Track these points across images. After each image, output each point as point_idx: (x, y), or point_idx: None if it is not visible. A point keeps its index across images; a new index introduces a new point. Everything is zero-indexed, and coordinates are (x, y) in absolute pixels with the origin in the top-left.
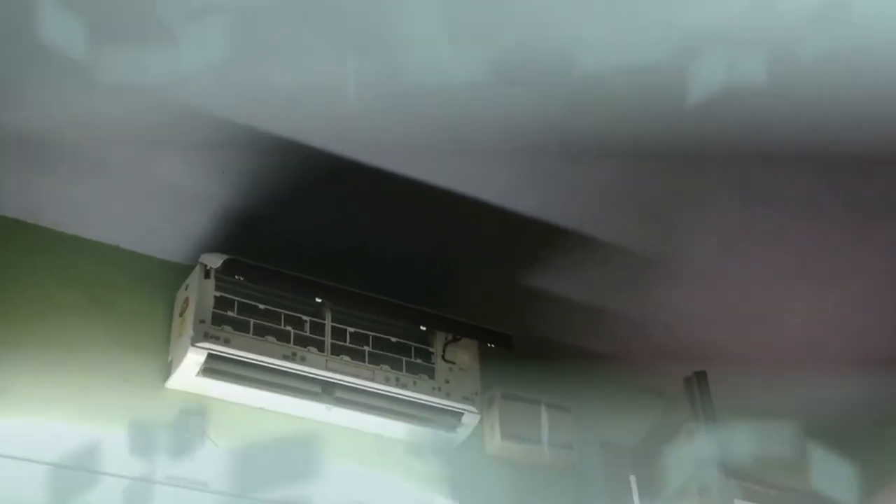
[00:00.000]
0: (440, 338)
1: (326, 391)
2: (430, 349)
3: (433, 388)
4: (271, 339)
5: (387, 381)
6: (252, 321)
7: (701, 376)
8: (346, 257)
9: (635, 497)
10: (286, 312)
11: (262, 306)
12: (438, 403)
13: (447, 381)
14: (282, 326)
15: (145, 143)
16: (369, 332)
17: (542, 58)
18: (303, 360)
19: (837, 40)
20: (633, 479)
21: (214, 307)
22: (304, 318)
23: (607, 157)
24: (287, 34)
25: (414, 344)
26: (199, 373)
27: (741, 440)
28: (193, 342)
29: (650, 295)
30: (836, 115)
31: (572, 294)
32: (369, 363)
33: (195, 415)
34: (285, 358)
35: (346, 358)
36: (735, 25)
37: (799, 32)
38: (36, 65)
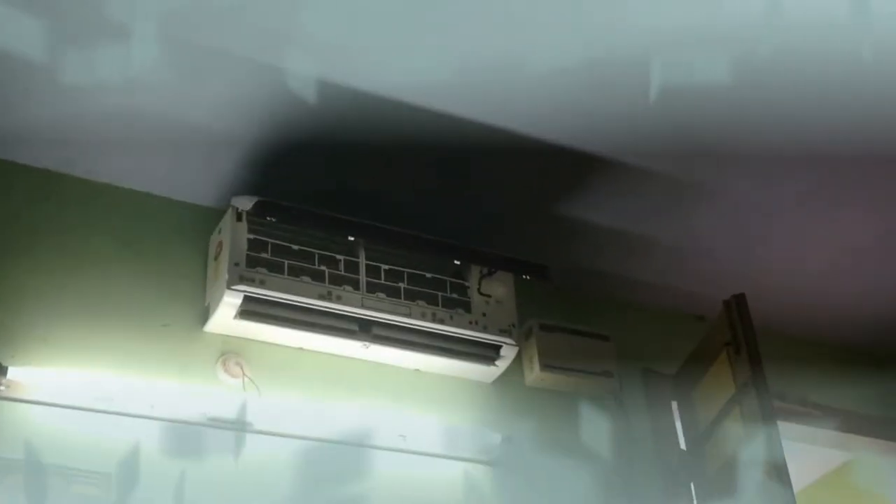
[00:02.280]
0: (475, 271)
1: (363, 329)
2: (466, 283)
3: (470, 322)
4: (306, 279)
5: (423, 317)
6: (286, 262)
7: (740, 299)
8: (378, 195)
9: (678, 423)
10: (320, 252)
11: (295, 247)
12: (476, 337)
13: (484, 315)
14: (316, 266)
15: (173, 90)
16: (404, 269)
17: None
18: (338, 299)
19: None
20: (674, 404)
21: (248, 249)
22: (338, 257)
23: (641, 86)
24: None
25: (449, 279)
26: (236, 315)
27: (782, 362)
28: (229, 285)
29: (686, 221)
30: None
31: (607, 222)
32: (405, 299)
33: (236, 356)
34: (321, 297)
35: (382, 295)
36: None
37: None
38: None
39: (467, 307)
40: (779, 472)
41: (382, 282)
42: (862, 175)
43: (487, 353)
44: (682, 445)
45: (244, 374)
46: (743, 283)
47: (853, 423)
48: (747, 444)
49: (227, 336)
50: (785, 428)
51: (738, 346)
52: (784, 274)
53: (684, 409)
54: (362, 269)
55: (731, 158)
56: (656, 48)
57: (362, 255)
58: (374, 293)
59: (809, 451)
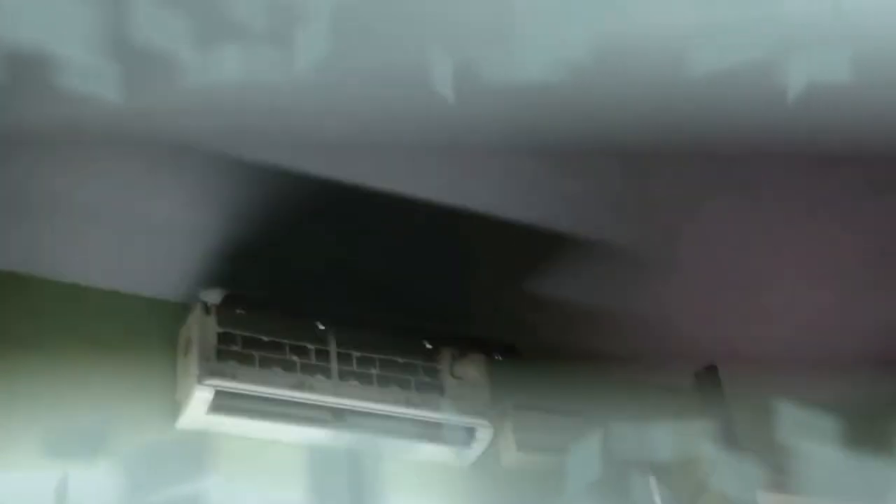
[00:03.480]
0: (446, 354)
1: (337, 417)
2: (438, 366)
3: (444, 406)
4: (277, 369)
5: (397, 403)
6: (257, 354)
7: (711, 371)
8: (346, 281)
9: (656, 497)
10: (290, 342)
11: (265, 338)
12: (450, 420)
13: (458, 398)
14: (287, 356)
15: (136, 184)
16: (375, 355)
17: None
18: (311, 388)
19: None
20: (652, 479)
21: (218, 343)
22: (309, 346)
23: (604, 160)
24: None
25: (421, 363)
26: (208, 410)
27: (756, 430)
28: (200, 380)
29: (655, 295)
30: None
31: (577, 298)
32: (378, 385)
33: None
34: (293, 387)
35: (355, 382)
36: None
37: None
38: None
39: (441, 390)
40: None
41: (354, 369)
42: (812, 236)
43: (463, 436)
44: None
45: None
46: (714, 355)
47: (833, 488)
48: None
49: (200, 431)
50: (764, 497)
51: (712, 417)
52: (755, 343)
53: (662, 482)
54: (333, 357)
55: (694, 232)
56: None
57: (333, 343)
58: (346, 381)
59: None
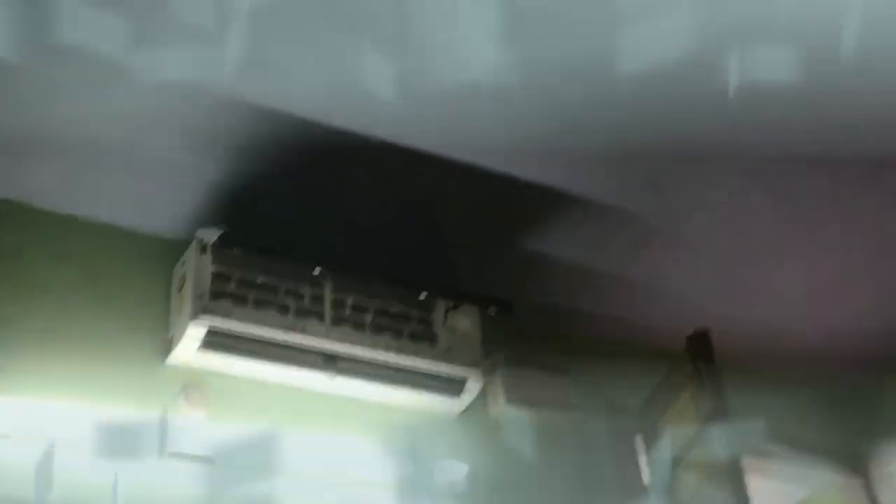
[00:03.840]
0: (440, 306)
1: (328, 362)
2: (431, 317)
3: (435, 356)
4: (271, 311)
5: (388, 350)
6: (251, 295)
7: (703, 334)
8: (344, 229)
9: (641, 457)
10: (286, 285)
11: (260, 279)
12: (441, 371)
13: (449, 349)
14: (282, 299)
15: (139, 122)
16: (369, 303)
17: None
18: (304, 332)
19: None
20: (638, 439)
21: (212, 282)
22: (304, 290)
23: (607, 127)
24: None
25: (415, 312)
26: (199, 348)
27: (745, 396)
28: (192, 317)
29: (651, 259)
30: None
31: (573, 258)
32: (371, 332)
33: (199, 388)
34: (286, 330)
35: (348, 328)
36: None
37: None
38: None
39: (433, 340)
40: None
41: (348, 315)
42: (823, 215)
43: (453, 387)
44: (646, 481)
45: (206, 406)
46: (706, 319)
47: (816, 457)
48: (711, 479)
49: (190, 368)
50: (747, 462)
51: (701, 381)
52: (747, 309)
53: (649, 443)
54: (328, 302)
55: (697, 197)
56: (625, 88)
57: (328, 288)
58: (339, 326)
59: (772, 486)
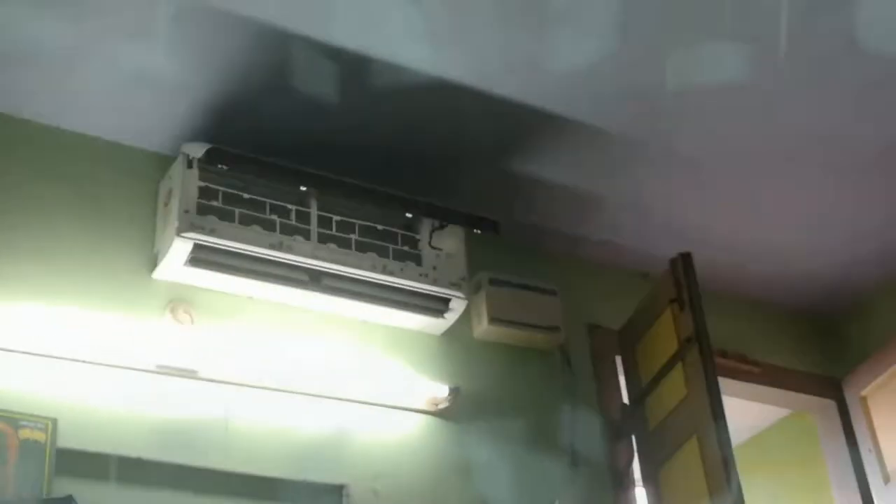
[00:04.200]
0: (426, 224)
1: (314, 279)
2: (417, 236)
3: (420, 275)
4: (257, 228)
5: (374, 269)
6: (237, 210)
7: (686, 257)
8: (331, 145)
9: (621, 377)
10: (271, 201)
11: (246, 196)
12: (426, 289)
13: (434, 268)
14: (267, 215)
15: (125, 32)
16: (355, 220)
17: None
18: (289, 249)
19: None
20: (618, 359)
21: (199, 197)
22: (290, 206)
23: (592, 38)
24: None
25: (400, 231)
26: (185, 263)
27: (724, 320)
28: (179, 232)
29: (637, 179)
30: None
31: (559, 179)
32: (356, 251)
33: (185, 303)
34: (272, 247)
35: (333, 246)
36: None
37: None
38: None
39: (418, 260)
40: (718, 427)
41: (334, 233)
42: (806, 142)
43: (437, 306)
44: (625, 399)
45: (192, 321)
46: (689, 243)
47: (791, 381)
48: (688, 398)
49: (176, 283)
50: (725, 384)
51: (682, 303)
52: (729, 234)
53: (628, 363)
54: (314, 220)
55: (679, 117)
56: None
57: (314, 205)
58: (325, 244)
59: (748, 407)
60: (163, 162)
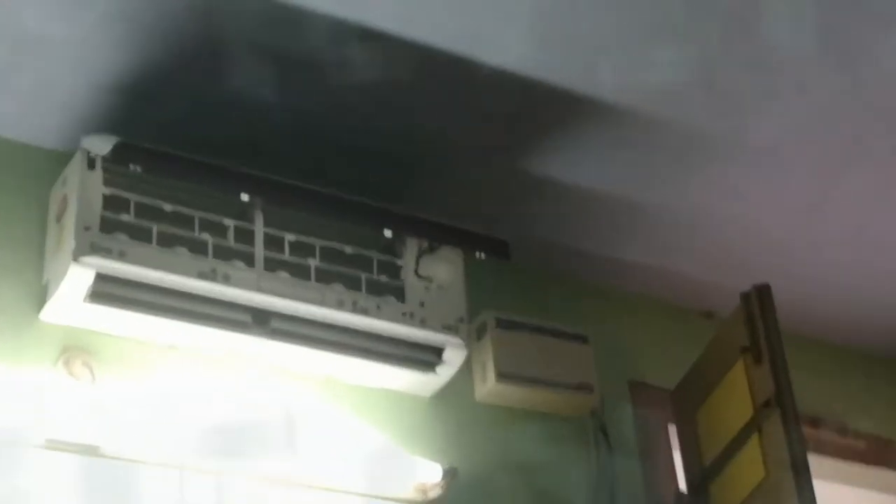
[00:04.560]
0: (412, 246)
1: (259, 320)
2: (399, 261)
3: (403, 314)
4: (182, 251)
5: (340, 306)
6: (155, 227)
7: (763, 291)
8: (283, 138)
9: (676, 454)
10: (202, 215)
11: (168, 207)
12: (411, 335)
13: (422, 305)
14: (196, 234)
15: None
16: (315, 241)
17: None
18: (226, 280)
19: None
20: (672, 429)
21: (104, 209)
22: (227, 222)
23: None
24: None
25: (377, 255)
26: (84, 298)
27: (814, 376)
28: (76, 257)
29: (697, 185)
30: None
31: (591, 183)
32: (316, 282)
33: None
34: (202, 276)
35: (285, 275)
36: None
37: None
38: None
39: (400, 294)
40: None
41: (286, 257)
42: None
43: (426, 357)
44: (682, 485)
45: (93, 378)
46: (765, 271)
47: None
48: (766, 482)
49: (72, 327)
50: (817, 463)
51: (759, 353)
52: (821, 260)
53: (685, 435)
54: (259, 240)
55: (759, 101)
56: None
57: (259, 220)
58: (274, 272)
59: (848, 495)
60: (55, 161)
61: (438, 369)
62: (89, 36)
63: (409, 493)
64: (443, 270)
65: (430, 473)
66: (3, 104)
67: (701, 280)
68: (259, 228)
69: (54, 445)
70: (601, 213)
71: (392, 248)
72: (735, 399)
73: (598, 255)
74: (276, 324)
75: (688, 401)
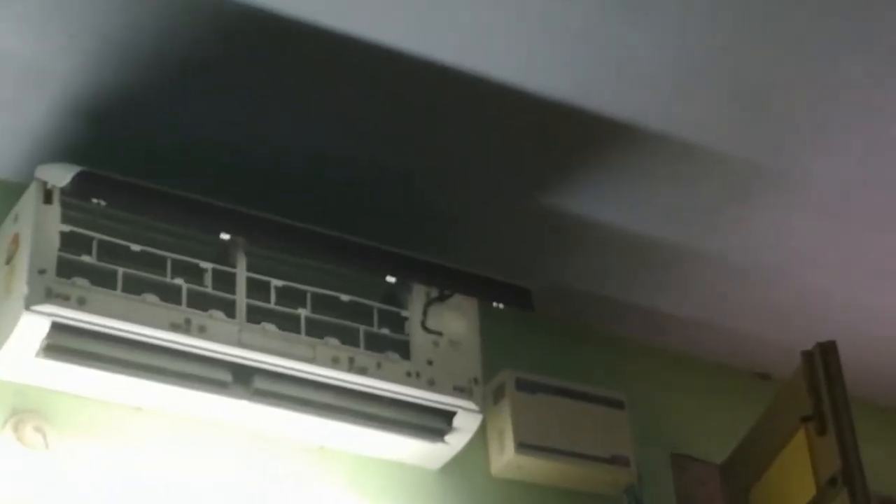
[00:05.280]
0: (419, 294)
1: (240, 379)
2: (404, 312)
3: (409, 374)
4: (151, 298)
5: (335, 364)
6: (120, 270)
7: (829, 351)
8: (268, 165)
9: None
10: (174, 257)
11: (136, 247)
12: (417, 397)
13: (430, 363)
14: (168, 279)
15: None
16: (306, 287)
17: None
18: (202, 332)
19: None
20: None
21: (61, 249)
22: (204, 265)
23: (685, 12)
24: None
25: (378, 305)
26: (37, 352)
27: (887, 448)
28: (29, 304)
29: (747, 228)
30: None
31: (627, 224)
32: (307, 335)
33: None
34: (174, 328)
35: (271, 327)
36: None
37: None
38: None
39: (405, 350)
40: None
41: (272, 306)
42: None
43: (434, 424)
44: None
45: (47, 445)
46: (828, 327)
47: None
48: None
49: (23, 385)
50: None
51: (824, 422)
52: (892, 317)
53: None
54: (241, 286)
55: (820, 133)
56: None
57: (242, 263)
58: (258, 323)
59: None
60: (5, 193)
61: (448, 438)
62: (52, 54)
63: None
64: (454, 323)
65: None
66: None
67: (755, 337)
68: (241, 273)
69: None
70: (638, 259)
71: (396, 297)
72: (795, 476)
73: (636, 307)
74: (259, 383)
75: (740, 477)
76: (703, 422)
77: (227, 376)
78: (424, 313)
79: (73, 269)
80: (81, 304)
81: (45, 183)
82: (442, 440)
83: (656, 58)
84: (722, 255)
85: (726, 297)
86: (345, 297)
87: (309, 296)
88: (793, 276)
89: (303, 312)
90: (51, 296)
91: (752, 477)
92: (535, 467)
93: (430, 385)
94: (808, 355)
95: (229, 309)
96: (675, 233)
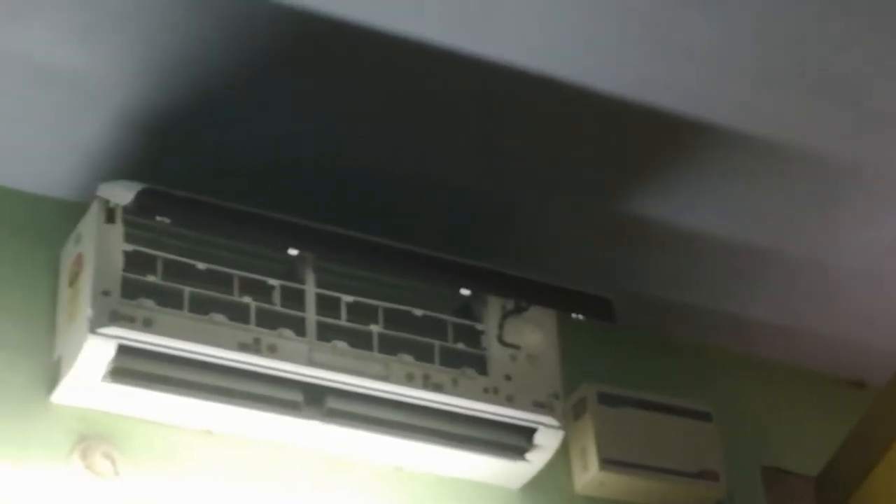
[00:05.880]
0: (495, 307)
1: (312, 400)
2: (479, 326)
3: (486, 390)
4: (219, 317)
5: (409, 381)
6: (186, 290)
7: None
8: (335, 179)
9: None
10: (242, 274)
11: (202, 266)
12: (495, 414)
13: (508, 378)
14: (236, 297)
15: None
16: (378, 303)
17: None
18: (272, 351)
19: None
20: None
21: (125, 269)
22: (272, 282)
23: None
24: None
25: (452, 318)
26: (104, 377)
27: None
28: (93, 328)
29: (840, 230)
30: None
31: (711, 228)
32: (380, 352)
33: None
34: (243, 348)
35: (343, 345)
36: None
37: None
38: None
39: (481, 366)
40: None
41: (343, 323)
42: None
43: (514, 441)
44: None
45: (116, 472)
46: None
47: None
48: None
49: (90, 410)
50: None
51: None
52: None
53: None
54: (311, 303)
55: None
56: None
57: (311, 279)
58: (329, 342)
59: None
60: (66, 214)
61: (529, 456)
62: (107, 67)
63: None
64: (532, 336)
65: None
66: (4, 147)
67: (849, 343)
68: (310, 289)
69: None
70: (724, 264)
71: (471, 311)
72: (895, 487)
73: (722, 315)
74: (332, 403)
75: (836, 490)
76: (794, 433)
77: (298, 397)
78: (501, 326)
79: (138, 289)
80: (148, 326)
81: (107, 202)
82: (522, 458)
83: (737, 51)
84: (812, 258)
85: (816, 302)
86: (418, 312)
87: (380, 311)
88: (886, 279)
89: (375, 329)
90: (116, 318)
91: (850, 489)
92: (620, 484)
93: (509, 401)
94: None
95: (299, 327)
96: (762, 236)
